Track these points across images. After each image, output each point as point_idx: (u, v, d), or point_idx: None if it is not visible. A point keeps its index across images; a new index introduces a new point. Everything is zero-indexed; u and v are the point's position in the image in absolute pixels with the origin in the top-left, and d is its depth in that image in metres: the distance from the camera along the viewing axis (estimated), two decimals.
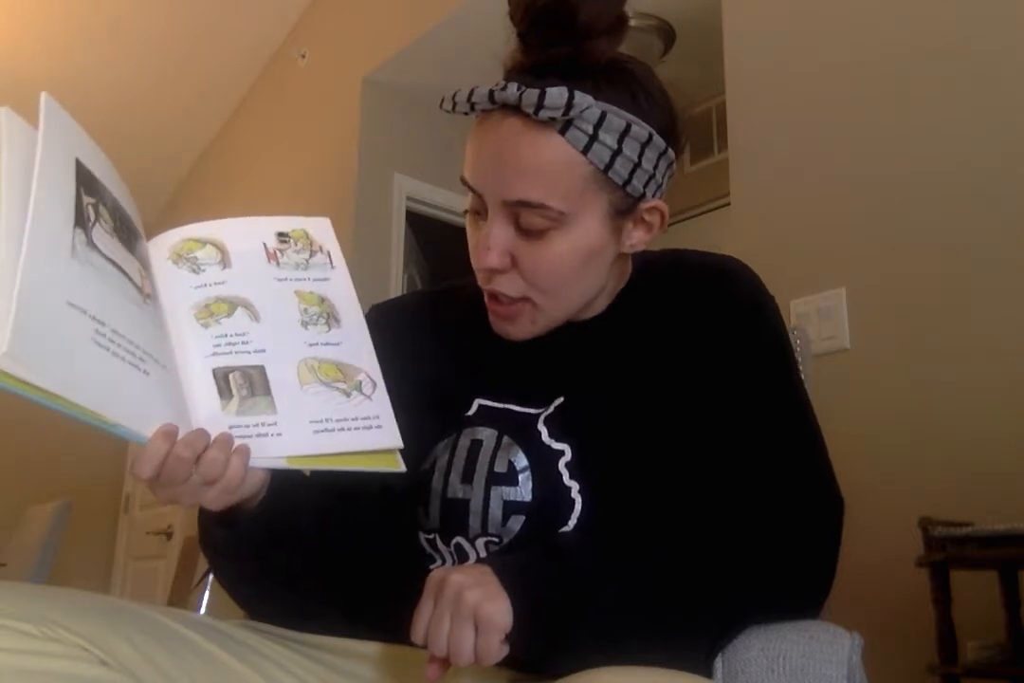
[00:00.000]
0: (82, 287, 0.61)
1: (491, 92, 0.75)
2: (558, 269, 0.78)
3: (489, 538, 0.78)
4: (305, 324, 0.74)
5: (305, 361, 0.72)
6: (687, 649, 0.70)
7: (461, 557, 0.79)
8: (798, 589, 0.76)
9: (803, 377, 0.87)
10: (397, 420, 0.72)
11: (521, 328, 0.82)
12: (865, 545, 1.31)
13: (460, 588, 0.66)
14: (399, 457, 0.72)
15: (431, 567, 0.78)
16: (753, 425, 0.79)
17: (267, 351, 0.72)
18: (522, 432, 0.81)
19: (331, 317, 0.75)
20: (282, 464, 0.69)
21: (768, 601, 0.74)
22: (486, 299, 0.83)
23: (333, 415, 0.70)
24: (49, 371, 0.56)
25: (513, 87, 0.73)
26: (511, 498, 0.78)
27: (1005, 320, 1.62)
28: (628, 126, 0.75)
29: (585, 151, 0.74)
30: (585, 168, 0.75)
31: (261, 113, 4.11)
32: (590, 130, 0.74)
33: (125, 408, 0.61)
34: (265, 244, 0.77)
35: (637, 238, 0.82)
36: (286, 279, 0.76)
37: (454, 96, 0.77)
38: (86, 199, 0.64)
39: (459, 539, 0.79)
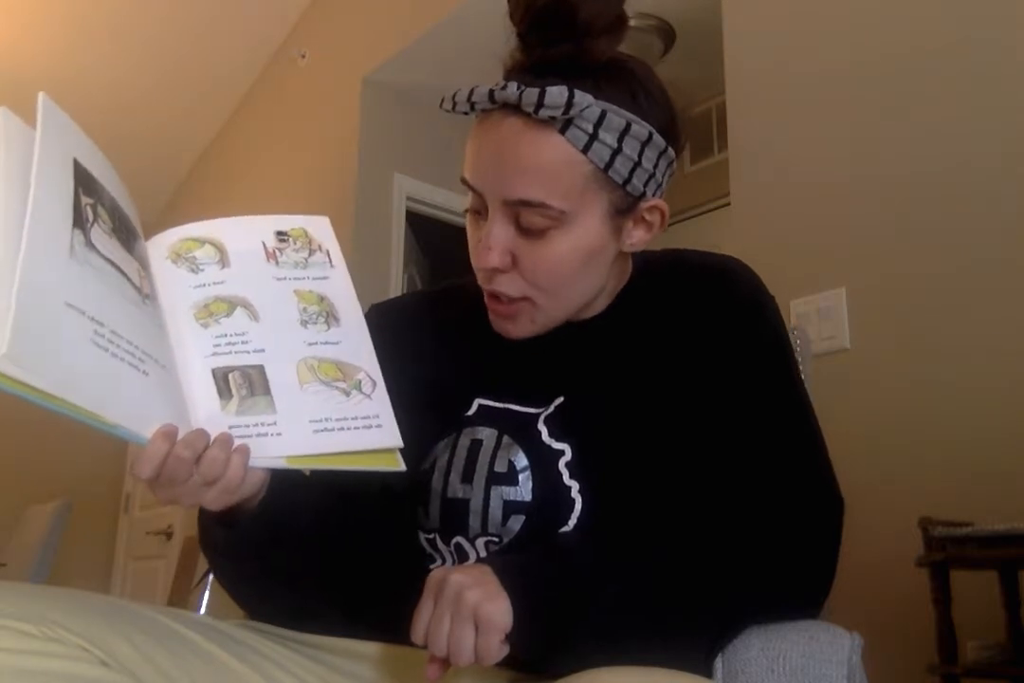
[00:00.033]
0: (81, 288, 0.61)
1: (491, 92, 0.75)
2: (558, 268, 0.78)
3: (489, 538, 0.78)
4: (304, 323, 0.74)
5: (305, 360, 0.72)
6: (687, 649, 0.70)
7: (461, 557, 0.79)
8: (798, 589, 0.76)
9: (803, 377, 0.87)
10: (397, 420, 0.72)
11: (521, 327, 0.82)
12: (865, 545, 1.31)
13: (460, 588, 0.66)
14: (399, 456, 0.72)
15: (431, 567, 0.78)
16: (753, 425, 0.79)
17: (266, 351, 0.72)
18: (522, 432, 0.81)
19: (330, 316, 0.75)
20: (282, 464, 0.69)
21: (768, 601, 0.74)
22: (486, 298, 0.83)
23: (333, 414, 0.70)
24: (48, 372, 0.56)
25: (513, 86, 0.73)
26: (511, 498, 0.78)
27: (1005, 320, 1.62)
28: (628, 125, 0.75)
29: (585, 150, 0.74)
30: (585, 167, 0.75)
31: (261, 113, 4.11)
32: (590, 129, 0.74)
33: (125, 409, 0.61)
34: (264, 243, 0.77)
35: (637, 237, 0.82)
36: (285, 278, 0.76)
37: (454, 96, 0.77)
38: (84, 199, 0.64)
39: (459, 539, 0.79)
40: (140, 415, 0.63)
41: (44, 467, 4.10)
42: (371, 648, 0.80)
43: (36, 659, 0.61)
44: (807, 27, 2.06)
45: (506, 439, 0.80)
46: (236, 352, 0.71)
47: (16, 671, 0.60)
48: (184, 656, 0.70)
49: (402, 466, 0.72)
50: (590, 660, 0.63)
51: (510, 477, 0.78)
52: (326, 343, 0.74)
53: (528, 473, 0.78)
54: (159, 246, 0.75)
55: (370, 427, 0.71)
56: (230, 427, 0.68)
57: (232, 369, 0.70)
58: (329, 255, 0.78)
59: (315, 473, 0.77)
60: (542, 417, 0.81)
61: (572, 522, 0.76)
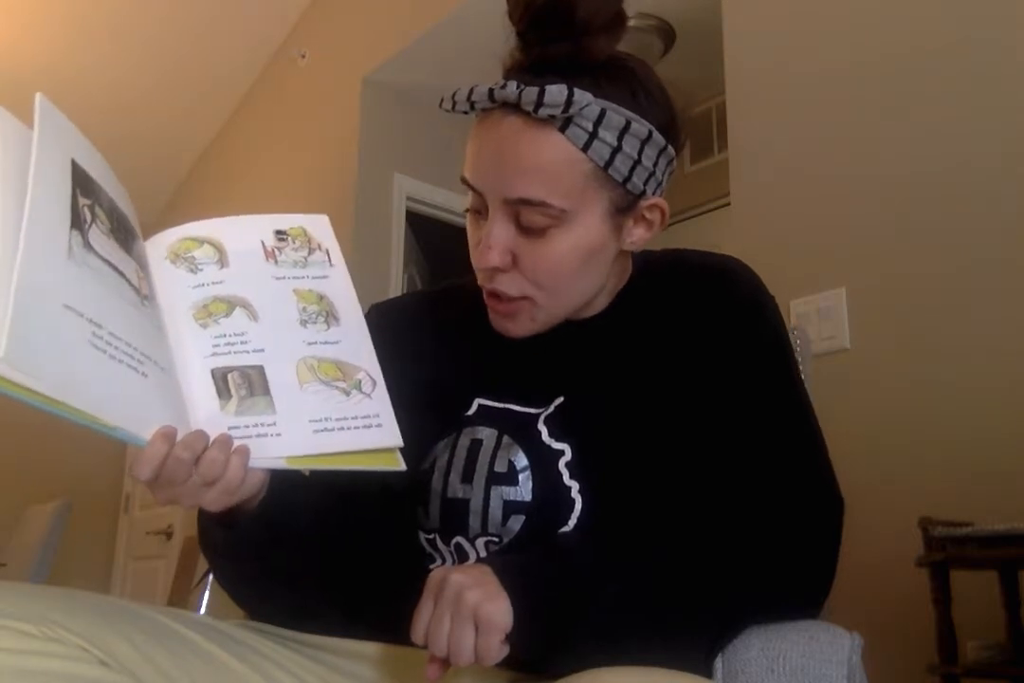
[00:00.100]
0: (79, 289, 0.61)
1: (491, 91, 0.75)
2: (559, 267, 0.78)
3: (489, 538, 0.78)
4: (304, 323, 0.74)
5: (304, 360, 0.72)
6: (687, 649, 0.70)
7: (461, 557, 0.79)
8: (798, 589, 0.76)
9: (803, 377, 0.87)
10: (397, 419, 0.72)
11: (521, 325, 0.82)
12: (865, 545, 1.31)
13: (460, 588, 0.65)
14: (399, 456, 0.72)
15: (431, 567, 0.78)
16: (753, 425, 0.79)
17: (266, 351, 0.71)
18: (522, 432, 0.81)
19: (330, 315, 0.75)
20: (282, 464, 0.69)
21: (768, 601, 0.74)
22: (485, 297, 0.83)
23: (333, 414, 0.70)
24: (46, 375, 0.56)
25: (512, 85, 0.73)
26: (511, 498, 0.78)
27: (1005, 320, 1.62)
28: (628, 123, 0.75)
29: (585, 148, 0.74)
30: (585, 165, 0.75)
31: (261, 113, 4.11)
32: (590, 127, 0.74)
33: (124, 410, 0.61)
34: (263, 242, 0.77)
35: (638, 236, 0.82)
36: (284, 277, 0.76)
37: (454, 95, 0.77)
38: (82, 200, 0.64)
39: (459, 539, 0.79)
40: (139, 417, 0.63)
41: (44, 467, 4.10)
42: (371, 648, 0.80)
43: (36, 659, 0.61)
44: (807, 27, 2.06)
45: (506, 439, 0.80)
46: (235, 352, 0.71)
47: (16, 671, 0.60)
48: (184, 656, 0.70)
49: (402, 466, 0.72)
50: (590, 660, 0.62)
51: (510, 477, 0.78)
52: (326, 342, 0.73)
53: (528, 473, 0.78)
54: (158, 246, 0.75)
55: (370, 427, 0.71)
56: (229, 428, 0.68)
57: (231, 369, 0.70)
58: (328, 254, 0.78)
59: (315, 473, 0.77)
60: (542, 417, 0.81)
61: (572, 522, 0.76)
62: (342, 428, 0.70)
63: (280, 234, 0.78)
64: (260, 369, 0.70)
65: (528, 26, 0.75)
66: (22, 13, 3.61)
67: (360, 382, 0.73)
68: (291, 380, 0.71)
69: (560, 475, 0.78)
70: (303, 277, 0.76)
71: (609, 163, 0.75)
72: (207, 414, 0.68)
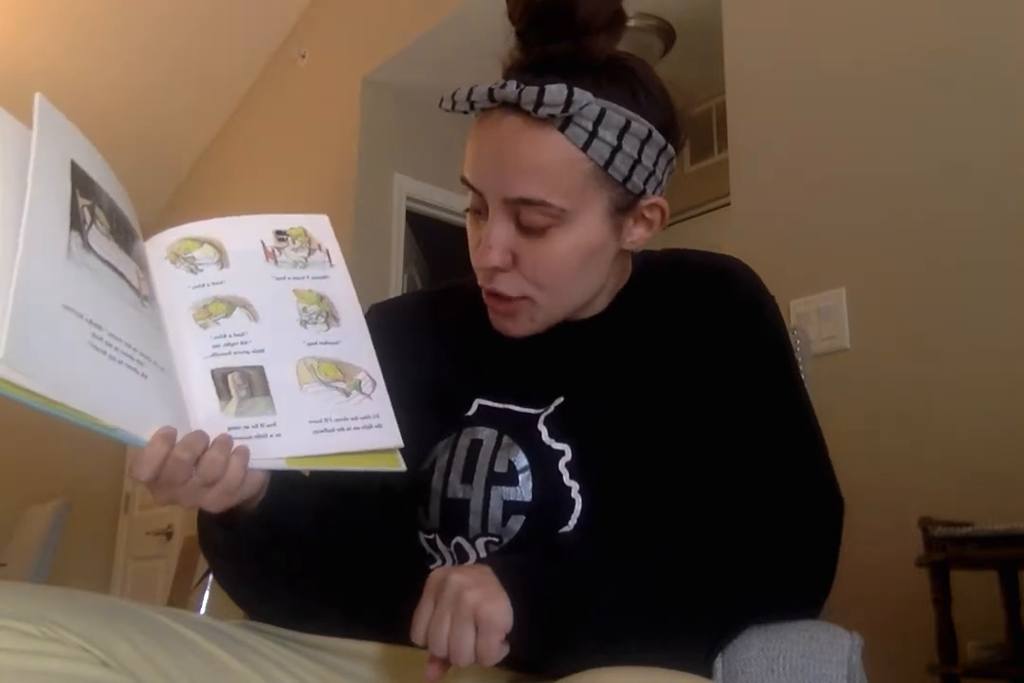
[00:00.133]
0: (78, 290, 0.60)
1: (490, 90, 0.75)
2: (559, 267, 0.78)
3: (489, 538, 0.78)
4: (304, 323, 0.74)
5: (304, 360, 0.72)
6: (687, 649, 0.70)
7: (461, 557, 0.79)
8: (798, 589, 0.76)
9: (803, 377, 0.87)
10: (397, 420, 0.72)
11: (520, 325, 0.82)
12: (865, 545, 1.31)
13: (460, 588, 0.65)
14: (399, 456, 0.72)
15: (431, 567, 0.78)
16: (753, 425, 0.79)
17: (266, 351, 0.71)
18: (522, 432, 0.81)
19: (330, 316, 0.75)
20: (282, 465, 0.68)
21: (768, 601, 0.74)
22: (485, 296, 0.83)
23: (333, 415, 0.70)
24: (46, 376, 0.56)
25: (512, 85, 0.73)
26: (511, 498, 0.78)
27: (1005, 320, 1.62)
28: (628, 123, 0.75)
29: (585, 148, 0.74)
30: (585, 165, 0.75)
31: (261, 113, 4.11)
32: (590, 127, 0.74)
33: (123, 412, 0.61)
34: (263, 242, 0.77)
35: (638, 235, 0.82)
36: (284, 278, 0.76)
37: (453, 95, 0.77)
38: (82, 201, 0.64)
39: (459, 539, 0.79)
40: (139, 417, 0.62)
41: (44, 467, 4.10)
42: (371, 648, 0.80)
43: (36, 659, 0.61)
44: (807, 27, 2.06)
45: (506, 439, 0.80)
46: (235, 353, 0.71)
47: (16, 671, 0.60)
48: (184, 656, 0.70)
49: (402, 466, 0.72)
50: (590, 660, 0.62)
51: (510, 477, 0.78)
52: (326, 343, 0.73)
53: (528, 473, 0.78)
54: (158, 246, 0.75)
55: (370, 427, 0.71)
56: (229, 428, 0.68)
57: (231, 370, 0.70)
58: (329, 254, 0.78)
59: (315, 474, 0.77)
60: (542, 417, 0.81)
61: (572, 522, 0.76)
62: (342, 429, 0.70)
63: (280, 234, 0.78)
64: (260, 369, 0.70)
65: (528, 26, 0.75)
66: (21, 13, 3.61)
67: (360, 383, 0.72)
68: (291, 381, 0.71)
69: (560, 475, 0.78)
70: (303, 277, 0.76)
71: (609, 162, 0.75)
72: (207, 415, 0.68)
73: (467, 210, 0.82)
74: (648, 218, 0.82)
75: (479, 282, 0.82)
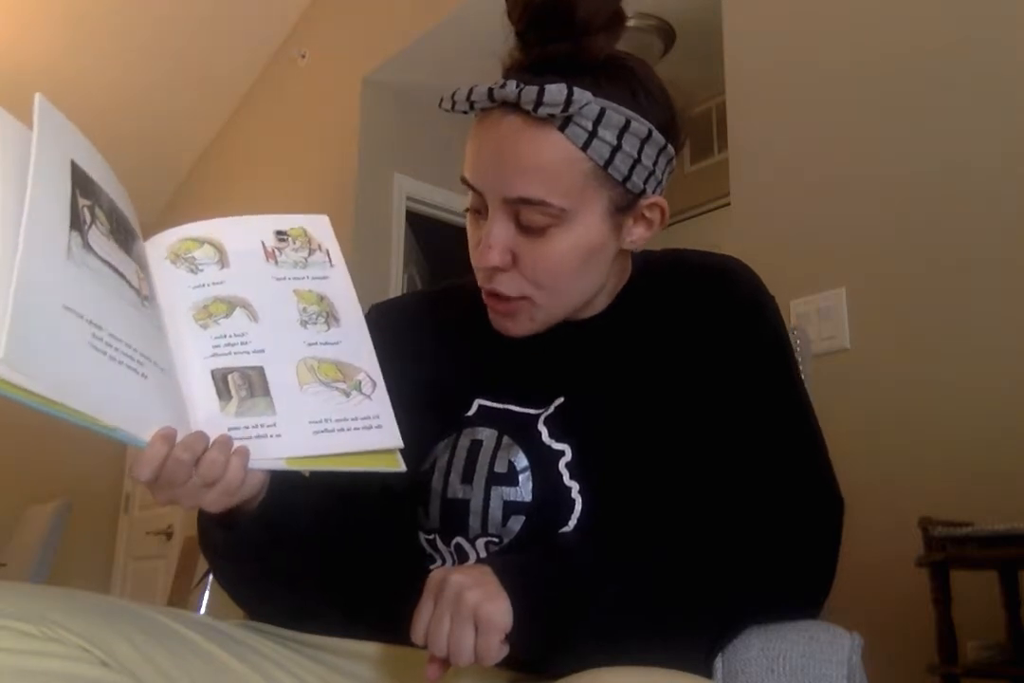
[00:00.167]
0: (78, 290, 0.60)
1: (490, 90, 0.75)
2: (559, 266, 0.78)
3: (489, 538, 0.78)
4: (304, 323, 0.74)
5: (304, 361, 0.72)
6: (687, 649, 0.70)
7: (461, 557, 0.79)
8: (798, 589, 0.76)
9: (803, 377, 0.87)
10: (397, 420, 0.72)
11: (520, 325, 0.82)
12: (865, 545, 1.31)
13: (460, 588, 0.65)
14: (399, 457, 0.72)
15: (431, 567, 0.78)
16: (753, 425, 0.79)
17: (266, 351, 0.71)
18: (522, 432, 0.81)
19: (330, 316, 0.75)
20: (282, 465, 0.68)
21: (768, 601, 0.74)
22: (485, 296, 0.83)
23: (333, 415, 0.70)
24: (46, 376, 0.56)
25: (512, 85, 0.73)
26: (511, 498, 0.78)
27: (1005, 320, 1.62)
28: (628, 122, 0.75)
29: (585, 147, 0.74)
30: (585, 164, 0.75)
31: (261, 113, 4.11)
32: (589, 126, 0.74)
33: (123, 412, 0.61)
34: (263, 243, 0.77)
35: (637, 235, 0.82)
36: (285, 278, 0.76)
37: (453, 95, 0.77)
38: (82, 201, 0.64)
39: (459, 539, 0.79)
40: (139, 418, 0.62)
41: (44, 467, 4.10)
42: (371, 648, 0.80)
43: (36, 659, 0.61)
44: (807, 27, 2.06)
45: (506, 439, 0.80)
46: (235, 353, 0.71)
47: (16, 671, 0.60)
48: (184, 656, 0.70)
49: (402, 467, 0.72)
50: (590, 660, 0.62)
51: (510, 477, 0.78)
52: (326, 343, 0.73)
53: (528, 473, 0.78)
54: (158, 246, 0.75)
55: (370, 428, 0.71)
56: (229, 429, 0.67)
57: (231, 370, 0.70)
58: (329, 254, 0.78)
59: (315, 474, 0.77)
60: (542, 418, 0.81)
61: (572, 522, 0.76)
62: (342, 429, 0.70)
63: (280, 234, 0.78)
64: (260, 370, 0.70)
65: (527, 26, 0.75)
66: (22, 13, 3.61)
67: (360, 383, 0.72)
68: (291, 381, 0.71)
69: (560, 476, 0.78)
70: (303, 277, 0.76)
71: (609, 162, 0.75)
72: (207, 415, 0.68)
73: (467, 210, 0.82)
74: (648, 218, 0.82)
75: (479, 282, 0.82)
